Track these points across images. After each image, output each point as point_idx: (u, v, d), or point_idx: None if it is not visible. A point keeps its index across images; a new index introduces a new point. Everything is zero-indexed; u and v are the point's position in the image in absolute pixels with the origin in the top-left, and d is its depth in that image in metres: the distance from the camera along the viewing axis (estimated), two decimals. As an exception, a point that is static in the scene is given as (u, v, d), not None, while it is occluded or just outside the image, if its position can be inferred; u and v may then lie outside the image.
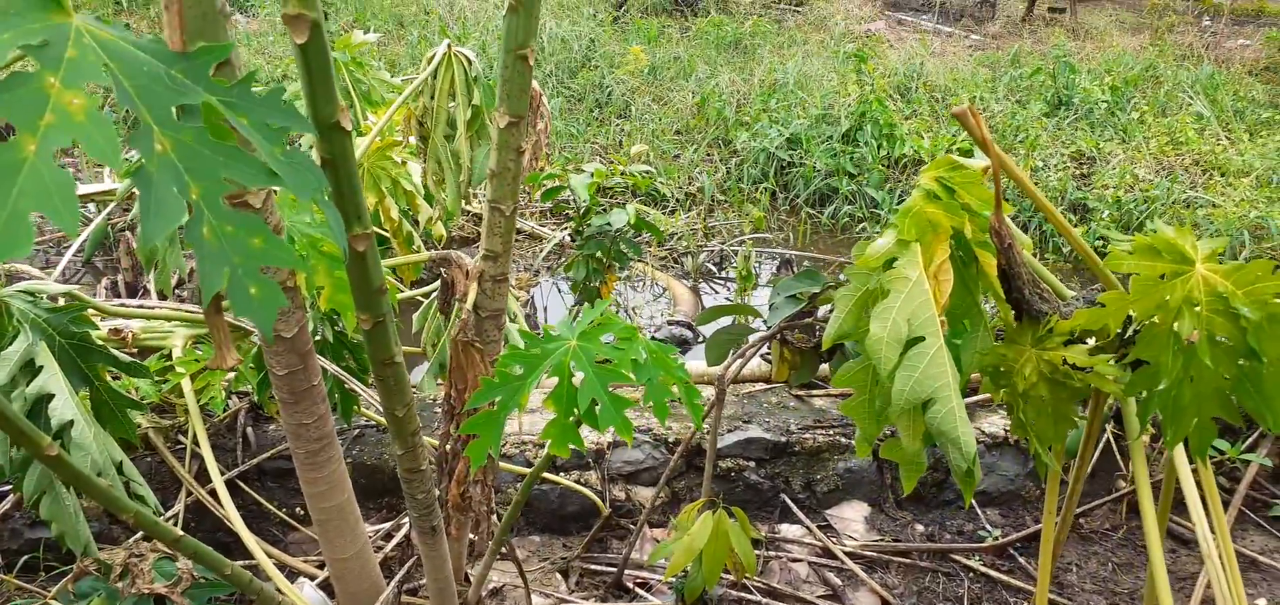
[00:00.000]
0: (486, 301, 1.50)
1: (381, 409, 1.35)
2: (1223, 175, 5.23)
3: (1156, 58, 7.55)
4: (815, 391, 2.84)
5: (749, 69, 7.11)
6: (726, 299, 4.48)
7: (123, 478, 1.53)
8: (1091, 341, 1.24)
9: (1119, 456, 2.70)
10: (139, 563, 1.54)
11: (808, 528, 2.50)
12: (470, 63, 2.08)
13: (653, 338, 2.85)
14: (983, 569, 2.40)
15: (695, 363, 2.94)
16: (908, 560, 2.43)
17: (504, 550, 1.84)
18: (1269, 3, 10.50)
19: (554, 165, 3.54)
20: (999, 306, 1.22)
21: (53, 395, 1.45)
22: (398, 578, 1.90)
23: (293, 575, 2.15)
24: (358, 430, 2.50)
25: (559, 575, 2.32)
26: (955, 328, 1.22)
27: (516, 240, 4.65)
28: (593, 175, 3.21)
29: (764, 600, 2.25)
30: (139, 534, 1.98)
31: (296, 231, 1.48)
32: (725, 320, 1.92)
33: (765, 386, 2.92)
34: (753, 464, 2.57)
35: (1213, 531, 1.25)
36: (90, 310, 1.72)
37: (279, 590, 1.71)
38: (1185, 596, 2.24)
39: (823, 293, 1.70)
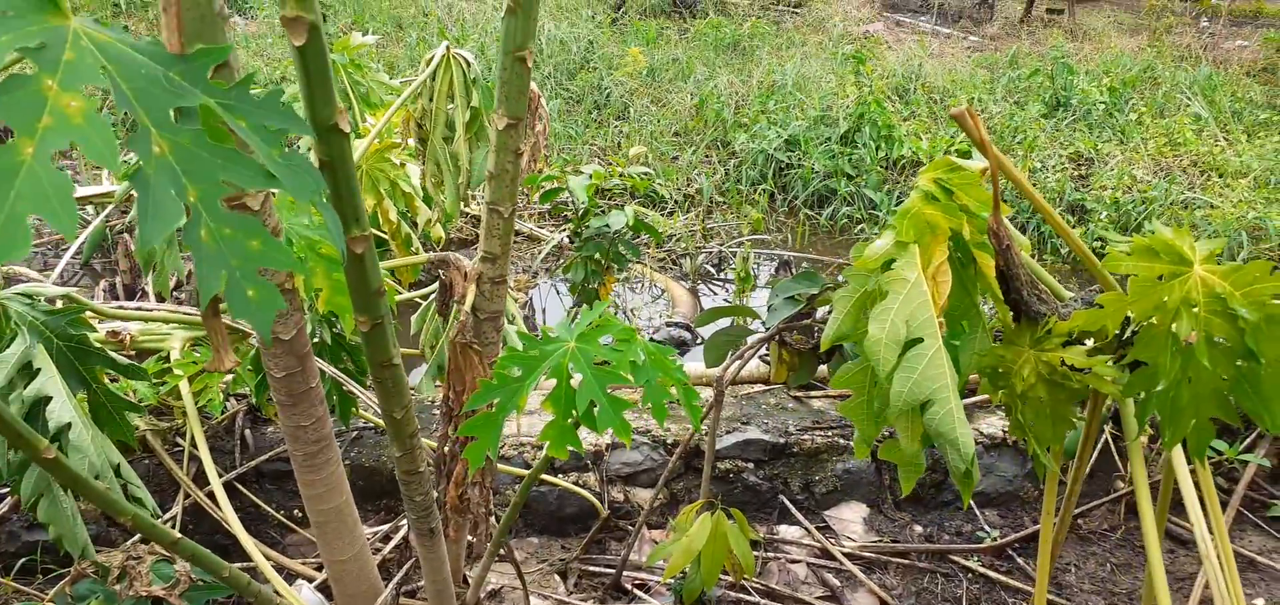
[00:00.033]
0: (485, 303, 1.50)
1: (380, 411, 1.35)
2: (1220, 176, 5.24)
3: (1154, 59, 7.57)
4: (814, 393, 2.84)
5: (747, 71, 7.12)
6: (725, 300, 4.48)
7: (120, 480, 1.53)
8: (1090, 342, 1.24)
9: (1117, 457, 2.70)
10: (137, 565, 1.54)
11: (806, 529, 2.50)
12: (469, 65, 2.08)
13: (651, 339, 2.85)
14: (981, 570, 2.40)
15: (694, 364, 2.94)
16: (906, 561, 2.43)
17: (502, 552, 1.84)
18: (1267, 4, 10.52)
19: (552, 167, 3.54)
20: (997, 308, 1.22)
21: (50, 398, 1.45)
22: (396, 580, 1.90)
23: (291, 577, 2.14)
24: (356, 432, 2.50)
25: (557, 577, 2.32)
26: (953, 329, 1.22)
27: (515, 242, 4.65)
28: (591, 177, 3.22)
29: (762, 601, 2.25)
30: (137, 536, 1.98)
31: (294, 233, 1.48)
32: (724, 322, 1.92)
33: (764, 388, 2.92)
34: (751, 465, 2.57)
35: (1211, 532, 1.25)
36: (88, 313, 1.72)
37: (277, 592, 1.71)
38: (1183, 597, 2.24)
39: (821, 294, 1.70)
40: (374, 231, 1.79)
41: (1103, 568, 2.46)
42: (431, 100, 2.08)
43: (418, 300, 2.29)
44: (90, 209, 3.43)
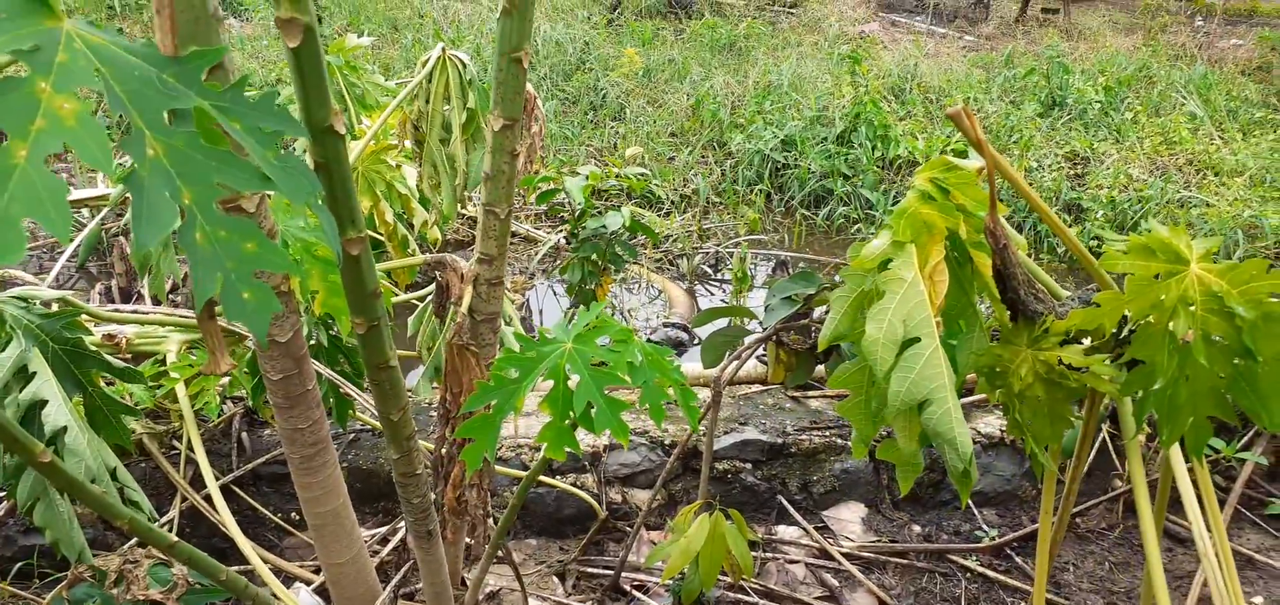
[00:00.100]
0: (482, 305, 1.50)
1: (377, 413, 1.35)
2: (1216, 175, 5.25)
3: (1150, 58, 7.58)
4: (811, 393, 2.84)
5: (743, 71, 7.12)
6: (722, 301, 4.48)
7: (117, 484, 1.52)
8: (1087, 341, 1.24)
9: (1115, 456, 2.70)
10: (134, 569, 1.54)
11: (804, 529, 2.50)
12: (465, 66, 2.08)
13: (648, 340, 2.85)
14: (980, 569, 2.41)
15: (691, 365, 2.94)
16: (905, 561, 2.43)
17: (500, 554, 1.84)
18: (1261, 2, 10.55)
19: (549, 168, 3.54)
20: (994, 307, 1.22)
21: (46, 401, 1.44)
22: (394, 582, 1.89)
23: (288, 580, 2.14)
24: (353, 434, 2.50)
25: (556, 578, 2.32)
26: (951, 328, 1.22)
27: (511, 243, 4.65)
28: (588, 178, 3.22)
29: (761, 602, 2.25)
30: (134, 540, 1.97)
31: (290, 236, 1.48)
32: (721, 322, 1.92)
33: (761, 388, 2.92)
34: (749, 466, 2.57)
35: (1209, 530, 1.25)
36: (84, 316, 1.71)
37: (275, 595, 1.71)
38: (1182, 595, 2.25)
39: (818, 294, 1.70)
40: (370, 233, 1.78)
41: (1101, 566, 2.46)
42: (428, 102, 2.07)
43: (414, 302, 2.28)
44: (85, 212, 3.43)
